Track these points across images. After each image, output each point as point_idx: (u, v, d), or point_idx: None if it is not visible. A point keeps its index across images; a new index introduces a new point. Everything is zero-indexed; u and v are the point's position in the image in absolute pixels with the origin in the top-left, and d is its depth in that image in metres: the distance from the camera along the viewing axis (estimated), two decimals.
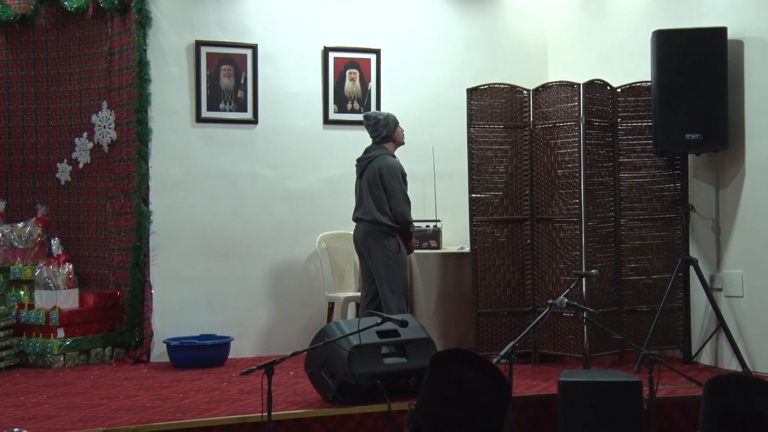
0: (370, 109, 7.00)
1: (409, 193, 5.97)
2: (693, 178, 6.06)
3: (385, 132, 6.04)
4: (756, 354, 5.57)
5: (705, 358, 5.93)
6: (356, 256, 6.36)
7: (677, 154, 5.96)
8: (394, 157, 6.03)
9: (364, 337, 4.71)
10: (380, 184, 5.87)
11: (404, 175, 5.95)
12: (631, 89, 6.09)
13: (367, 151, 6.08)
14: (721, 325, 5.66)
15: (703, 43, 5.64)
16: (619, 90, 6.08)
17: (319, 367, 4.88)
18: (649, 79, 5.85)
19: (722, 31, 5.64)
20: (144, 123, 6.48)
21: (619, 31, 6.74)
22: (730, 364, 5.70)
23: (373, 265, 5.92)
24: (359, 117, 7.00)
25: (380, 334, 4.91)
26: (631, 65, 6.30)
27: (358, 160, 6.09)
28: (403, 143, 6.10)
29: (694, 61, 5.64)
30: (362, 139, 6.25)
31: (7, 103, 7.10)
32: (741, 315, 5.71)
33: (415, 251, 6.47)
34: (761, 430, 1.97)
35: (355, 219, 6.05)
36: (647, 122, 6.00)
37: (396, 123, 6.08)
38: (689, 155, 5.99)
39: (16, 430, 2.25)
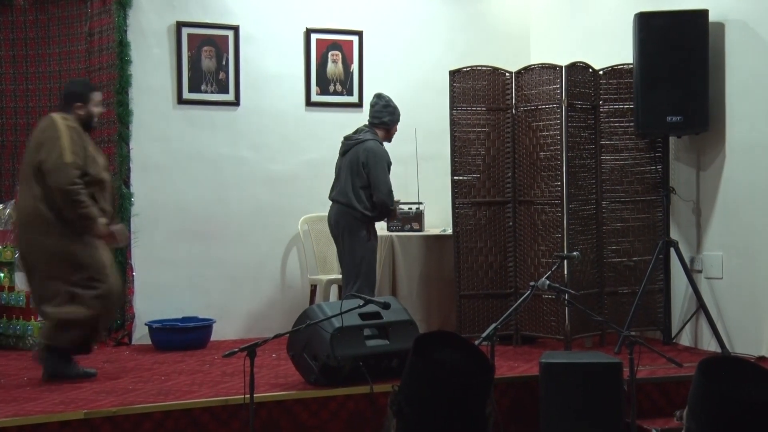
0: (352, 92, 6.99)
1: (391, 175, 5.96)
2: (674, 161, 6.09)
3: (388, 119, 5.99)
4: (735, 335, 5.63)
5: (685, 340, 5.99)
6: None
7: (658, 136, 5.98)
8: (382, 145, 6.01)
9: (347, 319, 4.72)
10: (361, 171, 5.83)
11: (389, 164, 5.93)
12: (613, 71, 6.10)
13: (357, 131, 6.02)
14: (701, 306, 5.70)
15: (685, 25, 5.66)
16: (601, 72, 6.09)
17: (302, 349, 4.88)
18: (631, 62, 5.87)
19: (704, 13, 5.65)
20: (125, 104, 6.44)
21: (602, 13, 6.75)
22: (710, 345, 5.76)
23: (343, 248, 5.91)
24: (342, 99, 7.01)
25: (362, 316, 4.91)
26: (613, 47, 6.31)
27: (346, 138, 6.05)
28: (389, 141, 6.06)
29: (675, 44, 5.66)
30: (345, 121, 6.24)
31: None
32: (720, 296, 5.75)
33: (398, 233, 6.48)
34: (752, 414, 1.98)
35: (331, 198, 6.02)
36: (629, 105, 6.02)
37: (399, 119, 6.05)
38: (670, 138, 6.02)
39: None
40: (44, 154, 4.95)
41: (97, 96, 5.27)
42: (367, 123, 6.04)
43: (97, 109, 5.24)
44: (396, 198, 5.97)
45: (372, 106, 6.04)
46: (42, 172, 4.96)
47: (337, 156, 6.06)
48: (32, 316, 6.20)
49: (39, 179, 4.99)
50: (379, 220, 5.99)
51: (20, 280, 6.34)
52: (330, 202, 6.03)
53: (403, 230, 6.57)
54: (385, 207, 5.86)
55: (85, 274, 5.01)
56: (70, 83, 5.50)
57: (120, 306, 5.28)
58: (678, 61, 5.65)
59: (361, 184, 5.82)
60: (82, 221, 4.98)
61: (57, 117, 5.09)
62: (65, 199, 4.92)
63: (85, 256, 5.02)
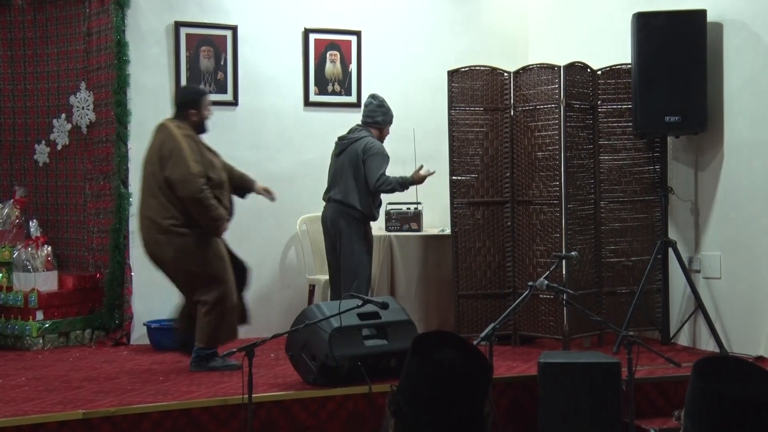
0: (351, 92, 6.99)
1: (390, 175, 5.95)
2: (672, 161, 6.10)
3: (381, 119, 6.01)
4: (733, 335, 5.63)
5: (683, 339, 5.99)
6: None
7: (657, 136, 5.99)
8: (374, 137, 6.01)
9: (345, 319, 4.72)
10: (361, 167, 5.84)
11: (387, 159, 5.93)
12: (612, 72, 6.10)
13: (352, 131, 6.04)
14: (699, 306, 5.71)
15: (683, 25, 5.66)
16: (599, 72, 6.10)
17: (300, 349, 4.88)
18: (629, 62, 5.87)
19: (702, 13, 5.66)
20: (123, 104, 6.43)
21: (600, 13, 6.75)
22: (708, 345, 5.76)
23: (341, 247, 5.91)
24: (340, 99, 7.01)
25: (361, 316, 4.91)
26: (611, 48, 6.31)
27: (340, 138, 6.06)
28: (381, 141, 6.05)
29: (673, 44, 5.66)
30: (343, 120, 6.23)
31: None
32: (719, 296, 5.76)
33: (396, 233, 6.48)
34: (748, 414, 1.99)
35: (326, 199, 6.02)
36: (627, 105, 6.02)
37: (392, 120, 6.07)
38: (668, 138, 6.02)
39: None
40: (170, 170, 5.19)
41: (207, 100, 5.46)
42: (360, 123, 6.05)
43: (208, 113, 5.44)
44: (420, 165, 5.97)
45: (366, 105, 6.07)
46: (171, 185, 5.20)
47: None
48: (30, 316, 6.20)
49: (167, 191, 5.24)
50: (391, 192, 5.95)
51: (18, 280, 6.35)
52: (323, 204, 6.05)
53: (401, 230, 6.57)
54: (380, 191, 5.88)
55: (208, 270, 5.28)
56: (183, 91, 5.67)
57: (239, 302, 5.51)
58: (676, 61, 5.65)
59: (361, 180, 5.83)
60: (214, 223, 5.28)
61: (173, 126, 5.31)
62: (197, 206, 5.20)
63: (211, 256, 5.31)
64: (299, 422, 4.63)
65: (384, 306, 4.65)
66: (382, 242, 6.40)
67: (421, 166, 6.02)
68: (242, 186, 5.75)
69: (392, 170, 6.01)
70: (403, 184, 5.95)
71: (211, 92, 6.66)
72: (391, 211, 6.60)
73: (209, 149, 5.45)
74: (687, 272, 5.77)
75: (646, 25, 5.71)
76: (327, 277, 6.62)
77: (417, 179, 5.98)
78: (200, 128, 5.42)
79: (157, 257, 5.39)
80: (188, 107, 5.38)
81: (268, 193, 5.80)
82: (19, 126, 7.01)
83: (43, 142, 6.96)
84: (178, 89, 5.66)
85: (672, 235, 6.00)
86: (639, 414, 4.65)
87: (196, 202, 5.19)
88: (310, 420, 4.65)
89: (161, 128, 5.39)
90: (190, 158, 5.19)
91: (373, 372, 4.76)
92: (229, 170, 5.63)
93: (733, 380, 2.08)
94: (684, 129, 5.77)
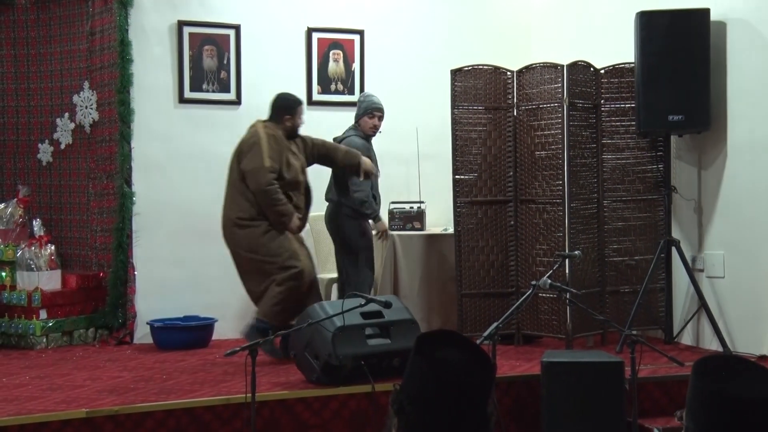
0: (354, 91, 7.00)
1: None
2: (675, 160, 6.09)
3: (357, 113, 6.14)
4: (736, 334, 5.63)
5: (686, 339, 5.99)
6: None
7: (660, 135, 5.98)
8: (363, 138, 6.07)
9: (348, 318, 4.72)
10: None
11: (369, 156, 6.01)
12: (615, 70, 6.10)
13: (346, 131, 6.13)
14: (703, 305, 5.70)
15: (687, 24, 5.66)
16: (602, 71, 6.09)
17: (303, 348, 4.89)
18: (633, 61, 5.86)
19: (705, 12, 5.65)
20: (126, 103, 6.44)
21: (603, 12, 6.74)
22: (711, 344, 5.76)
23: (338, 246, 6.03)
24: (343, 98, 7.01)
25: (364, 315, 4.91)
26: (614, 46, 6.31)
27: (334, 139, 6.12)
28: (369, 134, 6.08)
29: (677, 43, 5.66)
30: (346, 119, 6.24)
31: None
32: (722, 295, 5.75)
33: (399, 233, 6.48)
34: (749, 412, 1.98)
35: (326, 198, 6.11)
36: (630, 103, 6.02)
37: (366, 111, 6.10)
38: (672, 136, 6.02)
39: None
40: (245, 162, 5.53)
41: (302, 108, 5.84)
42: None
43: (300, 120, 5.78)
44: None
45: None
46: (244, 176, 5.52)
47: None
48: (34, 315, 6.20)
49: (240, 185, 5.56)
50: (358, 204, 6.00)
51: (22, 279, 6.36)
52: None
53: (404, 229, 6.57)
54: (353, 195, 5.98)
55: (279, 260, 5.49)
56: (281, 98, 5.86)
57: (314, 288, 5.72)
58: (679, 59, 5.65)
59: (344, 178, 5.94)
60: (279, 218, 5.52)
61: (260, 126, 5.65)
62: (264, 198, 5.47)
63: (276, 246, 5.51)
64: (302, 421, 4.63)
65: (387, 305, 4.66)
66: (385, 241, 6.39)
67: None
68: (349, 164, 5.90)
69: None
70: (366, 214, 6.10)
71: (213, 91, 6.70)
72: (394, 210, 6.60)
73: (293, 152, 5.70)
74: (690, 271, 5.77)
75: (649, 23, 5.70)
76: (330, 275, 6.64)
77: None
78: (293, 133, 5.74)
79: (231, 250, 5.68)
80: (284, 113, 5.71)
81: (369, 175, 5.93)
82: (23, 125, 7.02)
83: (47, 141, 6.97)
84: (278, 96, 5.87)
85: (675, 234, 5.99)
86: (642, 413, 4.64)
87: (263, 194, 5.46)
88: (313, 419, 4.65)
89: (250, 127, 5.72)
90: (265, 153, 5.47)
91: (376, 371, 4.76)
92: (333, 151, 5.88)
93: (733, 379, 2.07)
94: (687, 128, 5.76)
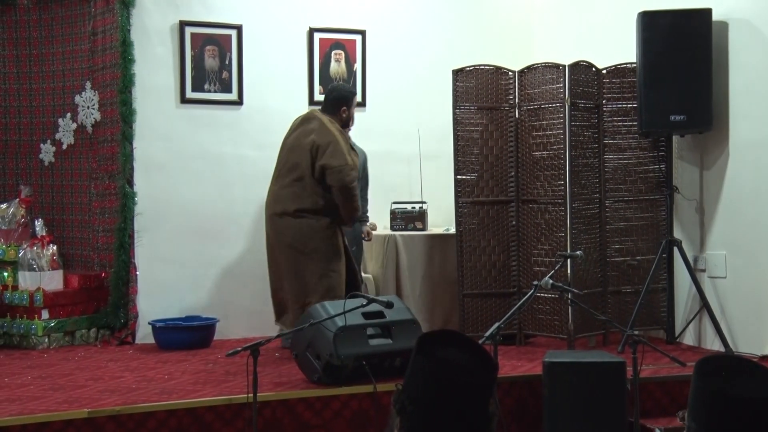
0: (355, 91, 6.99)
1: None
2: (677, 160, 6.09)
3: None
4: (738, 334, 5.62)
5: (688, 339, 5.98)
6: None
7: (662, 135, 5.98)
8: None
9: (350, 318, 4.72)
10: None
11: None
12: (617, 70, 6.09)
13: None
14: (705, 305, 5.70)
15: (689, 24, 5.65)
16: (604, 71, 6.09)
17: (305, 348, 4.89)
18: (635, 61, 5.86)
19: (707, 12, 5.65)
20: (128, 104, 6.44)
21: (605, 11, 6.74)
22: (713, 345, 5.75)
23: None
24: None
25: (365, 315, 4.92)
26: (616, 46, 6.30)
27: None
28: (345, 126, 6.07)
29: (679, 43, 5.65)
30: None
31: None
32: (724, 296, 5.75)
33: (401, 233, 6.48)
34: (750, 412, 1.98)
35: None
36: (632, 104, 6.01)
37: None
38: (674, 137, 6.01)
39: None
40: (328, 159, 5.54)
41: (355, 100, 5.96)
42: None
43: (354, 112, 5.91)
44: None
45: None
46: (326, 172, 5.54)
47: None
48: (35, 315, 6.21)
49: (308, 179, 5.60)
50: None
51: (24, 279, 6.36)
52: None
53: (406, 229, 6.57)
54: None
55: (336, 261, 5.62)
56: (338, 89, 5.97)
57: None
58: (681, 59, 5.64)
59: None
60: (354, 213, 5.66)
61: (325, 120, 5.68)
62: (346, 195, 5.56)
63: (338, 246, 5.65)
64: (304, 421, 4.63)
65: (389, 305, 4.66)
66: (387, 241, 6.40)
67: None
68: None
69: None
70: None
71: (215, 91, 6.70)
72: (396, 210, 6.60)
73: (351, 145, 5.78)
74: (692, 271, 5.77)
75: (651, 23, 5.70)
76: None
77: None
78: (346, 124, 5.83)
79: (273, 242, 5.69)
80: (341, 104, 5.79)
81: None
82: (25, 125, 7.03)
83: (49, 141, 6.98)
84: (334, 87, 5.99)
85: (677, 234, 5.99)
86: (644, 413, 4.64)
87: (345, 191, 5.54)
88: (314, 419, 4.65)
89: (311, 118, 5.74)
90: (346, 151, 5.57)
91: (378, 371, 4.76)
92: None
93: (735, 379, 2.08)
94: (689, 128, 5.76)
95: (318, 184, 5.60)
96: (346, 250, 5.74)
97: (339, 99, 5.83)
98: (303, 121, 5.81)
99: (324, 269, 5.58)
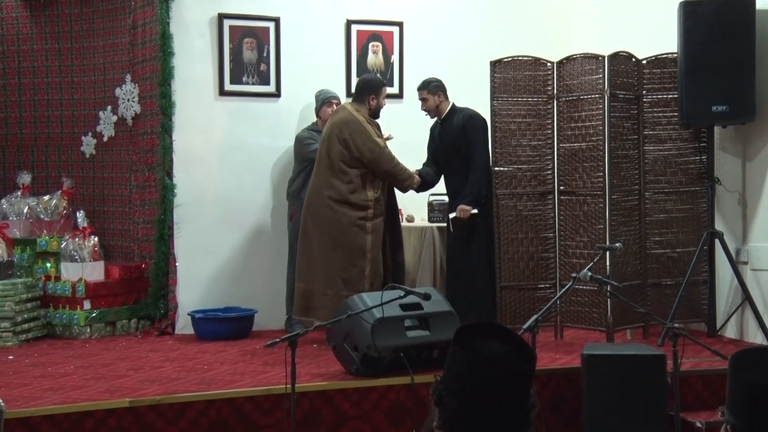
0: (393, 82, 7.00)
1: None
2: (719, 151, 6.00)
3: (316, 108, 6.54)
4: None
5: (730, 332, 5.91)
6: None
7: (703, 126, 5.90)
8: (311, 131, 6.43)
9: (387, 310, 4.72)
10: None
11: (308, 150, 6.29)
12: (657, 61, 6.02)
13: None
14: (747, 298, 5.62)
15: (731, 13, 5.57)
16: (644, 62, 6.02)
17: (343, 339, 4.90)
18: (675, 51, 5.79)
19: (750, 1, 5.56)
20: (167, 96, 6.49)
21: (645, 1, 6.66)
22: (756, 338, 5.67)
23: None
24: None
25: (403, 307, 4.92)
26: (657, 36, 6.22)
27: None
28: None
29: (721, 32, 5.57)
30: (385, 111, 6.22)
31: (32, 76, 7.15)
32: (767, 288, 5.66)
33: (439, 224, 6.45)
34: None
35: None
36: (673, 94, 5.94)
37: (324, 101, 6.47)
38: (715, 127, 5.93)
39: None
40: (360, 150, 5.72)
41: (385, 90, 6.04)
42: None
43: (384, 102, 5.99)
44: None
45: None
46: (363, 161, 5.73)
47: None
48: (78, 306, 6.29)
49: (339, 167, 5.73)
50: None
51: (66, 270, 6.45)
52: None
53: (443, 221, 6.53)
54: None
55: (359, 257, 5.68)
56: (366, 79, 6.15)
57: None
58: (723, 49, 5.56)
59: None
60: (408, 181, 5.92)
61: (352, 109, 5.87)
62: (394, 175, 5.83)
63: (364, 241, 5.70)
64: (342, 412, 4.65)
65: (426, 297, 4.65)
66: (424, 233, 6.38)
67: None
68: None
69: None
70: None
71: (253, 84, 6.73)
72: (434, 202, 6.58)
73: (378, 134, 5.90)
74: (734, 264, 5.69)
75: (693, 13, 5.62)
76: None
77: None
78: (376, 113, 5.95)
79: (308, 228, 5.78)
80: (369, 93, 5.90)
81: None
82: (67, 118, 7.12)
83: (90, 133, 7.06)
84: (362, 77, 6.20)
85: (719, 226, 5.91)
86: (684, 407, 4.59)
87: (392, 172, 5.80)
88: (352, 410, 4.67)
89: (340, 110, 5.97)
90: (374, 134, 5.76)
91: (416, 363, 4.76)
92: None
93: None
94: (731, 118, 5.67)
95: (346, 175, 5.71)
96: (384, 246, 5.79)
97: (366, 88, 5.94)
98: (333, 113, 5.98)
99: (345, 262, 5.66)
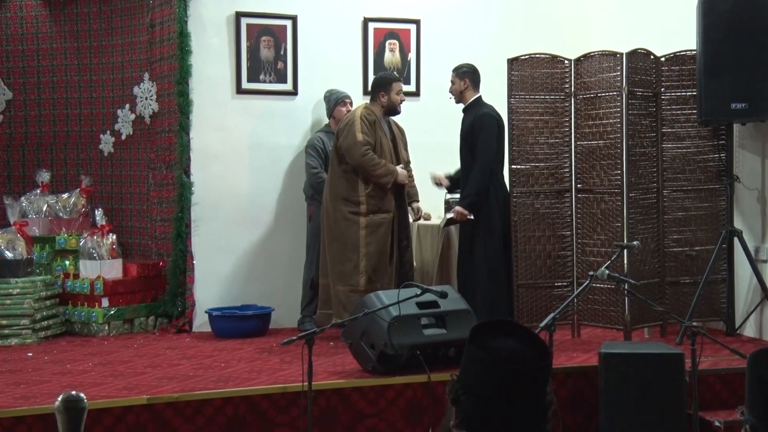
0: (410, 80, 7.00)
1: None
2: (738, 148, 5.96)
3: (328, 108, 6.56)
4: None
5: (749, 331, 5.87)
6: None
7: (722, 123, 5.86)
8: (323, 131, 6.50)
9: (404, 308, 4.72)
10: None
11: (316, 149, 6.43)
12: (676, 58, 5.98)
13: None
14: (766, 296, 5.58)
15: (750, 10, 5.53)
16: (662, 59, 5.98)
17: (359, 337, 4.90)
18: (694, 48, 5.75)
19: None
20: (185, 95, 6.51)
21: None
22: None
23: None
24: None
25: (420, 305, 4.91)
26: (675, 33, 6.19)
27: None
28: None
29: (740, 29, 5.52)
30: (403, 109, 6.21)
31: (50, 75, 7.19)
32: None
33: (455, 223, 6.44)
34: None
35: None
36: (692, 92, 5.90)
37: (337, 102, 6.50)
38: (734, 125, 5.89)
39: (74, 393, 2.29)
40: (341, 140, 5.85)
41: (397, 86, 6.02)
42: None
43: (398, 97, 5.98)
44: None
45: None
46: (342, 154, 5.83)
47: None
48: (96, 303, 6.33)
49: (336, 165, 5.88)
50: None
51: (85, 268, 6.48)
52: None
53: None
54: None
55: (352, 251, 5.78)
56: (376, 77, 6.25)
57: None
58: (743, 46, 5.51)
59: None
60: (385, 178, 5.81)
61: (361, 108, 5.97)
62: (364, 168, 5.78)
63: (357, 235, 5.78)
64: (358, 410, 4.66)
65: (443, 295, 4.65)
66: (440, 232, 6.37)
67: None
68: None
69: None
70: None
71: (270, 82, 6.74)
72: (451, 201, 6.56)
73: (387, 135, 5.95)
74: (753, 262, 5.65)
75: (712, 10, 5.58)
76: None
77: None
78: (390, 111, 5.99)
79: (323, 224, 5.94)
80: (379, 90, 5.97)
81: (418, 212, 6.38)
82: (85, 116, 7.16)
83: (108, 132, 7.10)
84: (376, 76, 6.28)
85: (738, 224, 5.87)
86: (703, 406, 4.57)
87: (361, 167, 5.77)
88: (368, 408, 4.67)
89: (356, 108, 6.06)
90: (358, 129, 5.77)
91: (432, 361, 4.76)
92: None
93: None
94: (751, 116, 5.63)
95: (341, 170, 5.86)
96: (392, 243, 5.84)
97: (376, 85, 6.02)
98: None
99: (340, 256, 5.78)
